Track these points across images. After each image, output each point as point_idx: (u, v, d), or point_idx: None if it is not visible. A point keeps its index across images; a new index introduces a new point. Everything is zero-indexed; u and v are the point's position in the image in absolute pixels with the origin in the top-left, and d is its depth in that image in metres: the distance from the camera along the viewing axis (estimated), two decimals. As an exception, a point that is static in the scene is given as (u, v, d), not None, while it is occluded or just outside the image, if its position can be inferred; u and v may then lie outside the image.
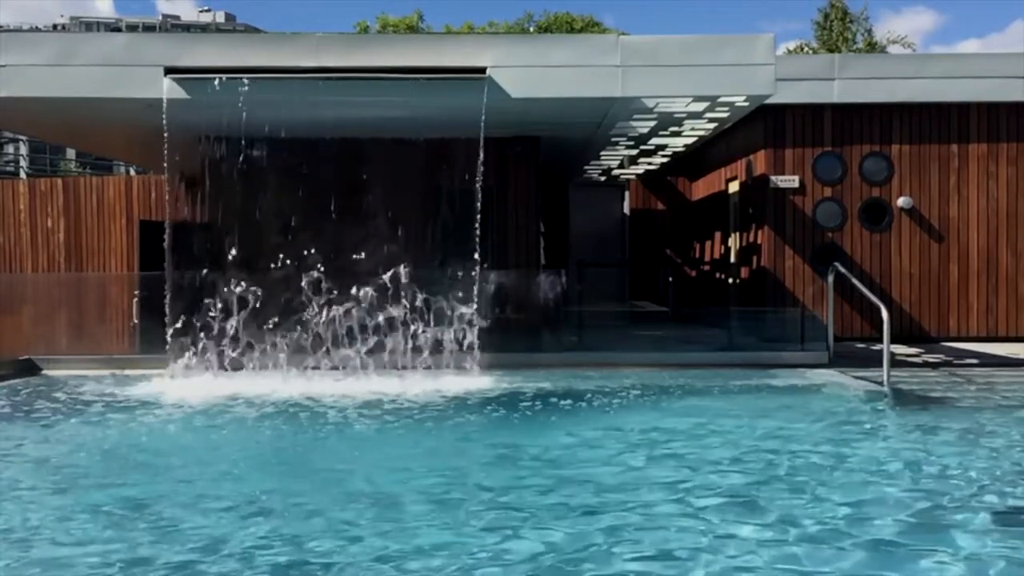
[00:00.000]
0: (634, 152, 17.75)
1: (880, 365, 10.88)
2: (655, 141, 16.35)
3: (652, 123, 14.42)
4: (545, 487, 6.46)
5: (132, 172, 32.31)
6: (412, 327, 11.65)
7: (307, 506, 6.06)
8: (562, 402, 9.89)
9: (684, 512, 5.86)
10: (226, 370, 11.37)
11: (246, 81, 11.50)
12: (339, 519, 5.75)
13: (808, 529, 5.46)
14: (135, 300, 13.34)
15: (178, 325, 11.43)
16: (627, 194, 22.23)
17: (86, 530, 5.65)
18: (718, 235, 18.77)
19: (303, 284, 11.59)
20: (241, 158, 13.48)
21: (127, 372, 12.00)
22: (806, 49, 39.05)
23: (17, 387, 11.21)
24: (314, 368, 11.44)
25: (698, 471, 6.95)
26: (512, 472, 6.98)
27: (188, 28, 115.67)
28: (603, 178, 21.62)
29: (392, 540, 5.30)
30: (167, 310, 11.60)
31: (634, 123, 14.38)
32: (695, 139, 16.31)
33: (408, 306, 11.64)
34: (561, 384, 10.89)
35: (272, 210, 14.28)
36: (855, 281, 12.72)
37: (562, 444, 7.96)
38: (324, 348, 11.49)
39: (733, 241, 17.61)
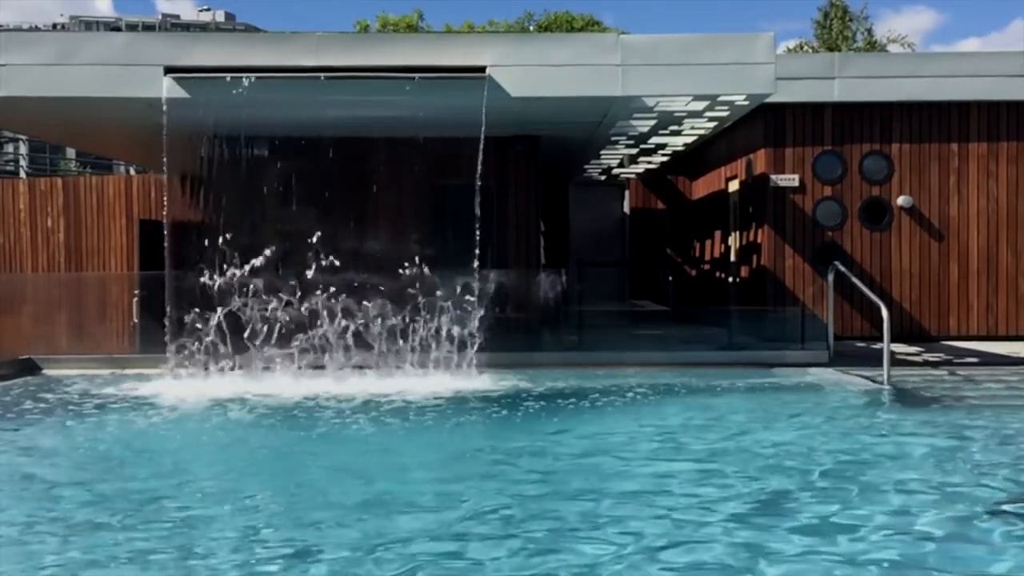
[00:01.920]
0: (634, 151, 17.74)
1: (880, 364, 10.87)
2: (655, 140, 16.35)
3: (652, 122, 14.41)
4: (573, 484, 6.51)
5: (132, 172, 32.29)
6: (413, 327, 11.62)
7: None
8: (568, 402, 9.87)
9: (708, 511, 5.89)
10: (225, 370, 11.33)
11: (246, 81, 11.49)
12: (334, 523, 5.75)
13: (841, 527, 5.49)
14: (135, 299, 13.34)
15: (176, 325, 11.39)
16: (627, 193, 22.24)
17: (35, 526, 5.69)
18: (718, 234, 18.77)
19: (303, 283, 11.57)
20: (240, 157, 13.47)
21: (127, 371, 11.99)
22: (806, 48, 39.04)
23: (9, 387, 11.14)
24: (314, 368, 11.40)
25: (718, 470, 6.95)
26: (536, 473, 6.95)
27: (188, 27, 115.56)
28: (603, 177, 21.62)
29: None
30: (166, 310, 11.58)
31: (634, 122, 14.38)
32: (695, 138, 16.31)
33: (409, 305, 11.63)
34: (571, 383, 10.87)
35: (272, 209, 14.28)
36: (855, 280, 12.72)
37: (579, 442, 7.95)
38: (324, 347, 11.47)
39: (733, 240, 17.60)
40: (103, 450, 7.91)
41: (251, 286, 11.46)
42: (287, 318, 11.43)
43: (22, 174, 76.25)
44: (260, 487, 6.66)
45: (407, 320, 11.60)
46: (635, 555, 5.04)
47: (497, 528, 5.51)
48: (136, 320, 13.19)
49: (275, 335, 11.37)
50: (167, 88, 11.61)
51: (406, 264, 11.72)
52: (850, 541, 5.23)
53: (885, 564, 4.88)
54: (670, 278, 17.88)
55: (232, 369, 11.31)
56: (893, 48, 37.95)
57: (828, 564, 4.88)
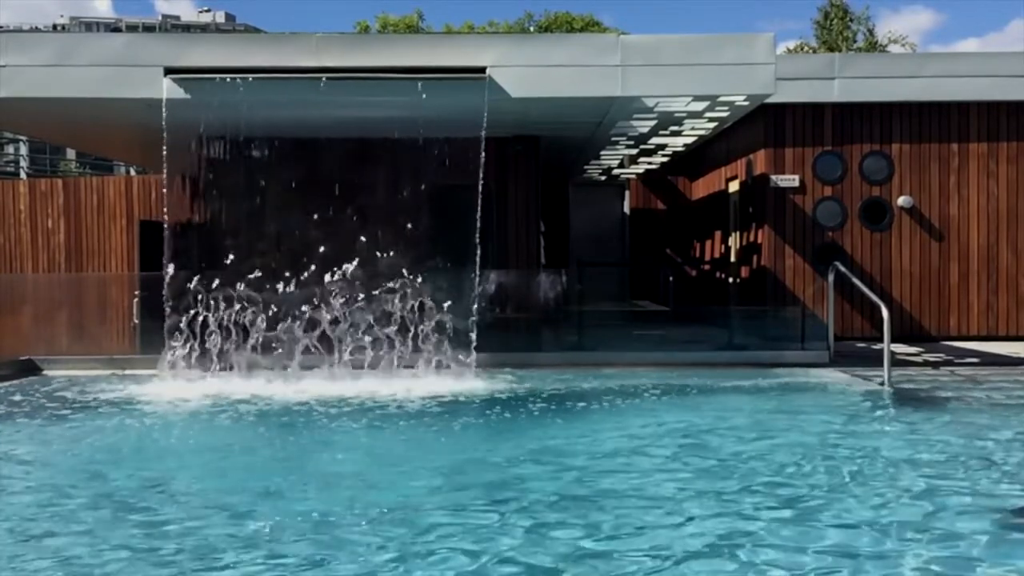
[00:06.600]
0: (634, 151, 17.75)
1: (880, 364, 10.86)
2: (655, 140, 16.35)
3: (652, 122, 14.41)
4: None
5: (132, 172, 32.31)
6: (412, 327, 11.60)
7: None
8: (571, 403, 9.85)
9: (720, 505, 5.93)
10: (221, 371, 11.28)
11: (246, 81, 11.49)
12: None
13: (839, 526, 5.51)
14: (135, 300, 13.33)
15: (173, 325, 11.35)
16: (627, 193, 22.24)
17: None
18: (718, 234, 18.77)
19: (301, 284, 11.56)
20: (240, 158, 13.47)
21: (127, 372, 11.97)
22: (806, 48, 39.10)
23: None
24: (309, 369, 11.35)
25: (732, 471, 6.97)
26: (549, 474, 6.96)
27: (188, 28, 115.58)
28: (603, 177, 21.62)
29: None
30: (165, 310, 11.55)
31: (634, 122, 14.38)
32: (695, 138, 16.31)
33: (408, 306, 11.62)
34: (571, 384, 10.85)
35: (270, 210, 14.26)
36: (855, 280, 12.70)
37: (585, 442, 7.96)
38: (323, 349, 11.44)
39: (733, 240, 17.60)
40: (77, 451, 7.86)
41: (250, 287, 11.45)
42: (285, 319, 11.42)
43: (22, 175, 76.31)
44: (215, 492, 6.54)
45: (407, 321, 11.58)
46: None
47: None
48: (136, 321, 13.18)
49: (271, 337, 11.35)
50: (167, 89, 11.60)
51: (405, 264, 11.71)
52: (847, 538, 5.24)
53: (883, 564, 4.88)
54: (670, 278, 17.88)
55: (229, 370, 11.28)
56: (894, 49, 37.98)
57: (830, 564, 4.90)
